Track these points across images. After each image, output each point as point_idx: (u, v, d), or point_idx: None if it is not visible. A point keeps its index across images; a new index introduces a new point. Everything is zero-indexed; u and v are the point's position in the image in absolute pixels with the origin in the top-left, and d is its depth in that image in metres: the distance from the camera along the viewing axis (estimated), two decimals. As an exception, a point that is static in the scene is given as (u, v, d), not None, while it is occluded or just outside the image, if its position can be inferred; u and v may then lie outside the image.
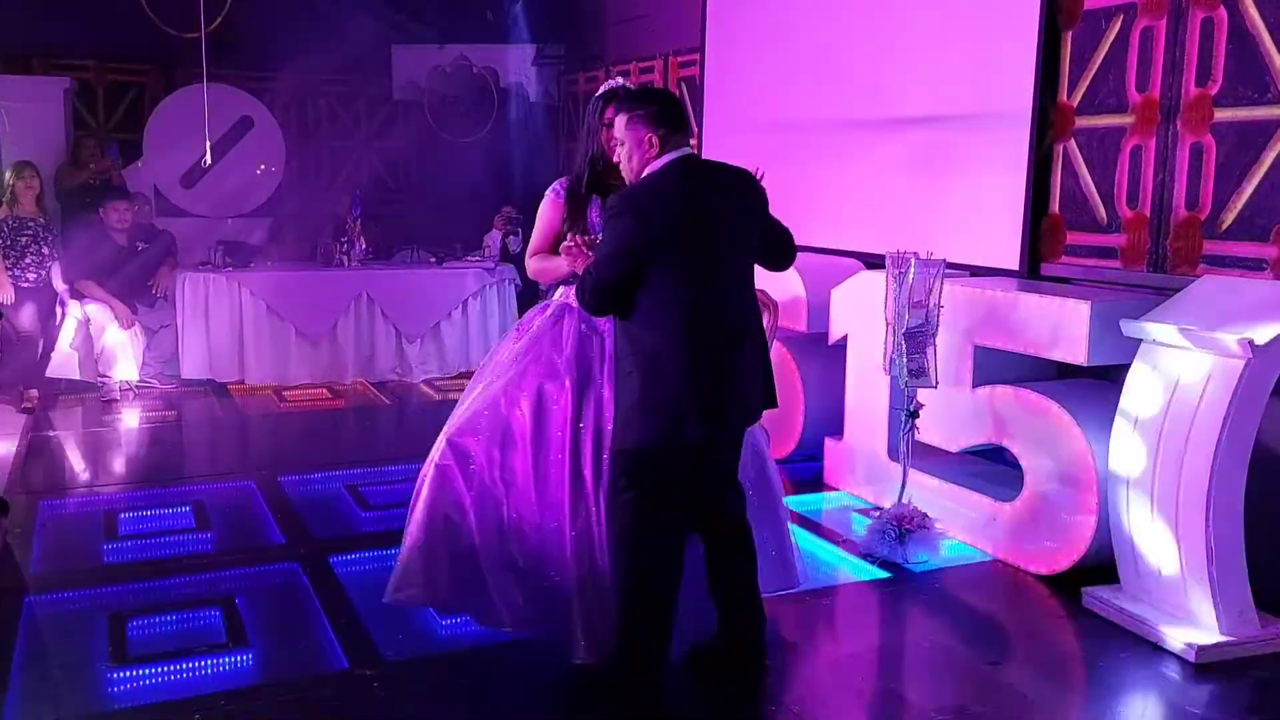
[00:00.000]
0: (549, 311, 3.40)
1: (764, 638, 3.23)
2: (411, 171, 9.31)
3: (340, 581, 3.90)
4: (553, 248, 3.34)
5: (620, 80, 3.38)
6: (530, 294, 8.55)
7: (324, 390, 7.24)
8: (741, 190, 3.07)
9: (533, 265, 3.45)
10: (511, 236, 8.48)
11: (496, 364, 3.39)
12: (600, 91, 3.34)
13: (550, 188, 3.41)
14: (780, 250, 3.21)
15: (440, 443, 3.27)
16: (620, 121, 3.02)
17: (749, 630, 3.20)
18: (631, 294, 2.91)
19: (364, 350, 7.54)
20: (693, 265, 2.91)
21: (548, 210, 3.40)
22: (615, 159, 3.17)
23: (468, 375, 7.60)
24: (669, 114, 2.99)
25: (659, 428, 2.89)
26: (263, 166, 8.90)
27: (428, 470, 3.26)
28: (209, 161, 7.00)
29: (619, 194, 2.99)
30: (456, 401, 3.46)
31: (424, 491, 3.24)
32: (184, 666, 3.25)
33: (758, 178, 3.20)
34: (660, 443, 2.91)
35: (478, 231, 8.48)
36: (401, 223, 8.82)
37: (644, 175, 2.98)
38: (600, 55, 9.03)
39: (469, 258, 8.25)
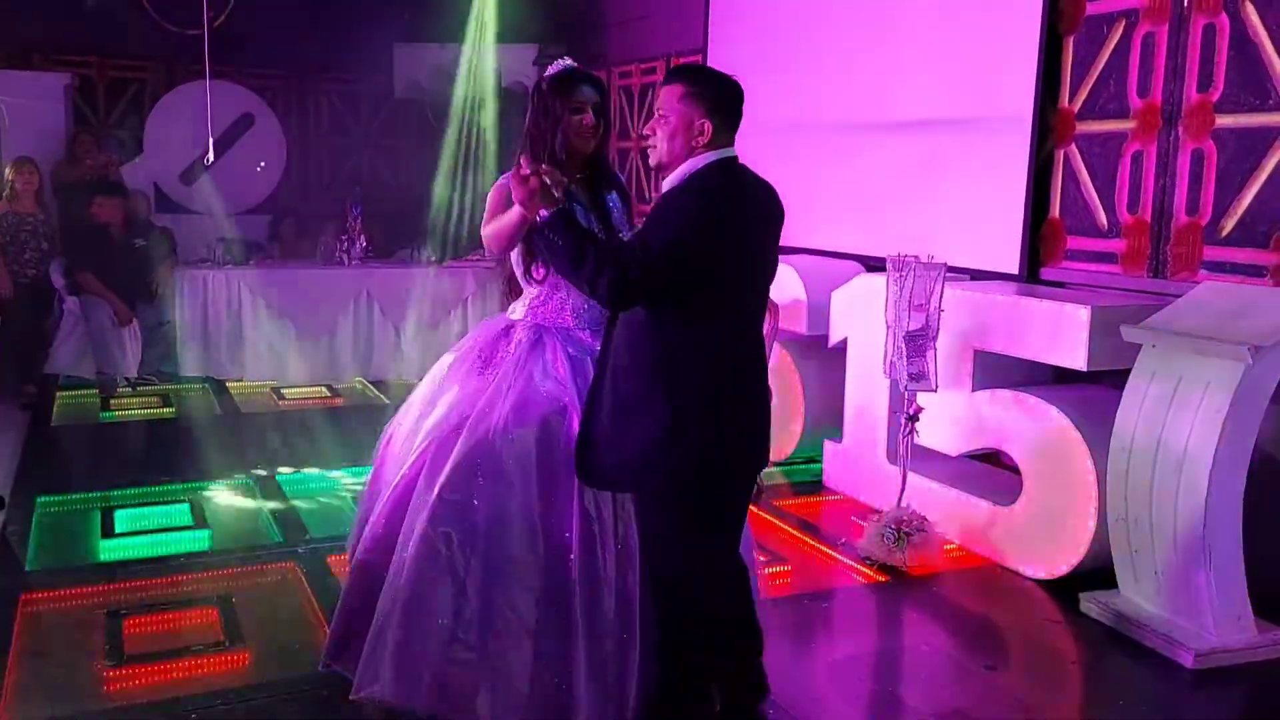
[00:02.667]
0: (519, 336, 2.92)
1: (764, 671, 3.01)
2: (412, 170, 9.31)
3: (338, 581, 3.90)
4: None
5: (570, 61, 2.97)
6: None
7: (323, 389, 7.24)
8: (777, 208, 2.71)
9: (486, 231, 2.92)
10: (512, 236, 8.46)
11: (466, 396, 2.87)
12: (557, 71, 2.91)
13: (499, 180, 2.89)
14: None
15: (429, 500, 2.71)
16: (674, 91, 2.56)
17: (754, 669, 2.96)
18: (674, 302, 2.50)
19: (363, 349, 7.53)
20: (742, 283, 2.60)
21: (497, 201, 2.88)
22: (582, 146, 2.86)
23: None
24: (733, 105, 2.58)
25: (693, 459, 2.54)
26: (263, 164, 8.90)
27: (409, 533, 2.71)
28: (211, 159, 6.99)
29: (690, 186, 2.54)
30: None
31: (408, 564, 2.68)
32: (180, 665, 3.25)
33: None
34: (692, 476, 2.56)
35: (478, 231, 8.47)
36: (402, 221, 8.82)
37: (693, 170, 2.55)
38: (602, 56, 9.01)
39: (469, 257, 8.25)
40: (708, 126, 2.54)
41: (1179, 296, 3.84)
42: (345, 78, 9.45)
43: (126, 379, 6.90)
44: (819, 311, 5.22)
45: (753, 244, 2.60)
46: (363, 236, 7.79)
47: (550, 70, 2.94)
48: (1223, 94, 4.08)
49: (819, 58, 6.07)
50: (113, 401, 6.59)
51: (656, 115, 2.60)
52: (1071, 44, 4.69)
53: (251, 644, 3.38)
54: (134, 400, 6.68)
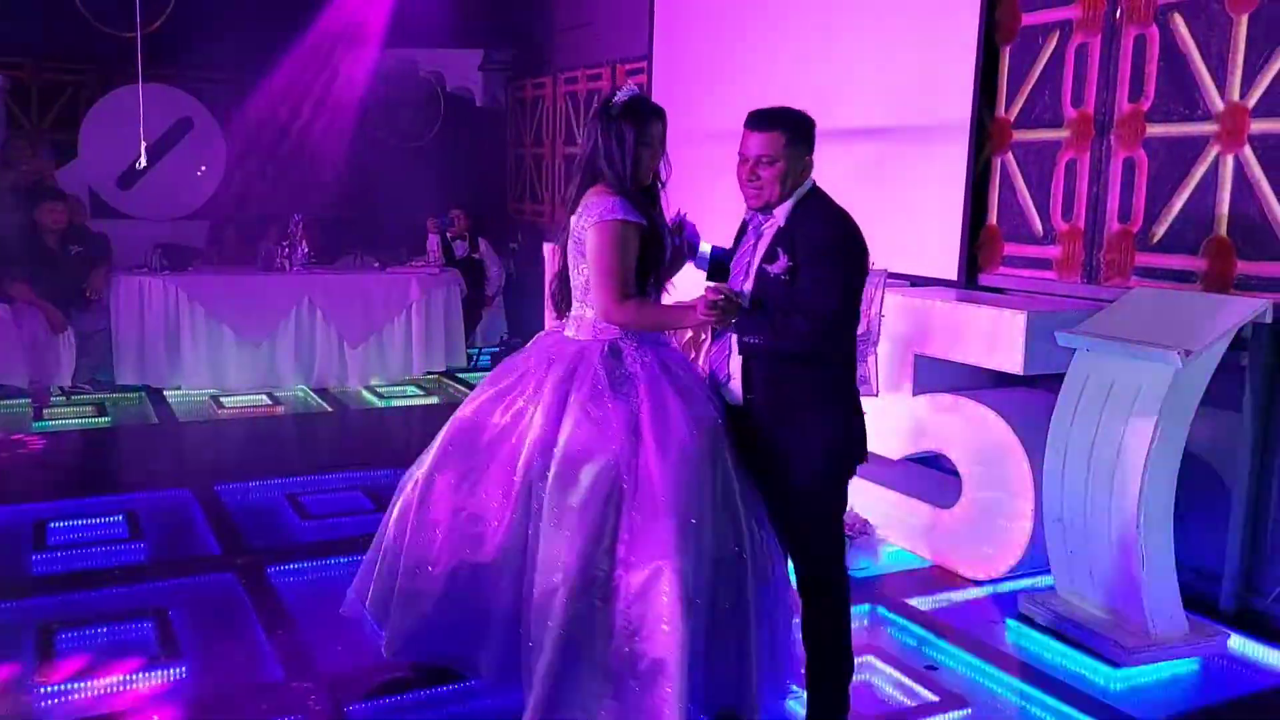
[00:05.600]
0: (638, 355, 2.86)
1: None
2: (355, 175, 9.22)
3: (278, 592, 3.84)
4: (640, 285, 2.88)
5: (635, 87, 2.95)
6: (477, 300, 8.52)
7: (263, 397, 7.12)
8: None
9: (639, 313, 2.83)
10: (459, 241, 8.42)
11: (613, 419, 2.75)
12: (630, 98, 2.85)
13: (614, 214, 2.78)
14: None
15: (669, 527, 2.67)
16: (778, 139, 2.83)
17: None
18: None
19: (305, 356, 7.43)
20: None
21: (634, 241, 2.80)
22: (646, 178, 2.88)
23: (415, 382, 7.63)
24: (814, 137, 2.96)
25: (858, 442, 2.96)
26: (202, 168, 8.75)
27: (650, 562, 2.65)
28: (144, 163, 6.84)
29: (834, 228, 2.82)
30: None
31: (673, 592, 2.62)
32: (115, 681, 3.16)
33: (682, 218, 3.06)
34: (860, 456, 2.99)
35: (421, 237, 8.42)
36: (344, 227, 8.72)
37: (806, 197, 2.87)
38: (548, 62, 9.01)
39: (413, 263, 8.19)
40: (810, 162, 2.90)
41: (1112, 302, 3.93)
42: (287, 81, 9.32)
43: (60, 388, 6.74)
44: (763, 317, 5.24)
45: None
46: (304, 242, 7.69)
47: (620, 96, 2.85)
48: (1153, 104, 4.19)
49: (762, 66, 6.12)
50: (46, 411, 6.42)
51: (759, 160, 2.83)
52: (1008, 54, 4.78)
53: (188, 659, 3.31)
54: (68, 410, 6.52)
